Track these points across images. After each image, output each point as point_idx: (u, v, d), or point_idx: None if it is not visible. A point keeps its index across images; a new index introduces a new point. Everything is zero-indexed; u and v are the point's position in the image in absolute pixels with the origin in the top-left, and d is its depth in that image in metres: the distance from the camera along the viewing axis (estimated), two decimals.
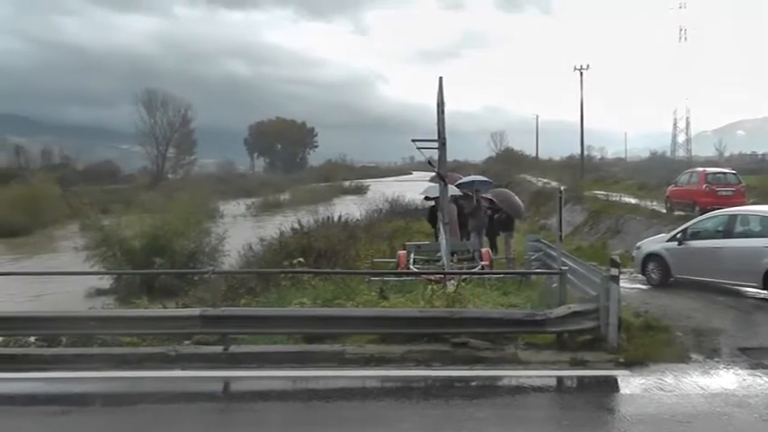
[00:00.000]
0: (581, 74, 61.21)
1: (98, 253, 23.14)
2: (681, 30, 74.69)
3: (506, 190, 21.90)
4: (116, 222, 24.92)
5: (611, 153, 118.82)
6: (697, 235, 13.79)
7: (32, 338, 9.94)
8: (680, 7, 73.68)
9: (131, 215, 26.97)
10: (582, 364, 8.44)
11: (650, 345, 9.02)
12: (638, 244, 15.70)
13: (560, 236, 11.47)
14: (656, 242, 15.00)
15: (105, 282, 21.38)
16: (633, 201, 32.87)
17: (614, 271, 8.94)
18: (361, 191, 75.74)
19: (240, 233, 27.76)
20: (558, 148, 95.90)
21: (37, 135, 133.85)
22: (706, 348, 9.14)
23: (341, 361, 8.67)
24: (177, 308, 12.05)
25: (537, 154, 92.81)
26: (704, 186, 24.14)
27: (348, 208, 34.29)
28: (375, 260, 16.66)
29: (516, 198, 20.14)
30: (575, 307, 9.16)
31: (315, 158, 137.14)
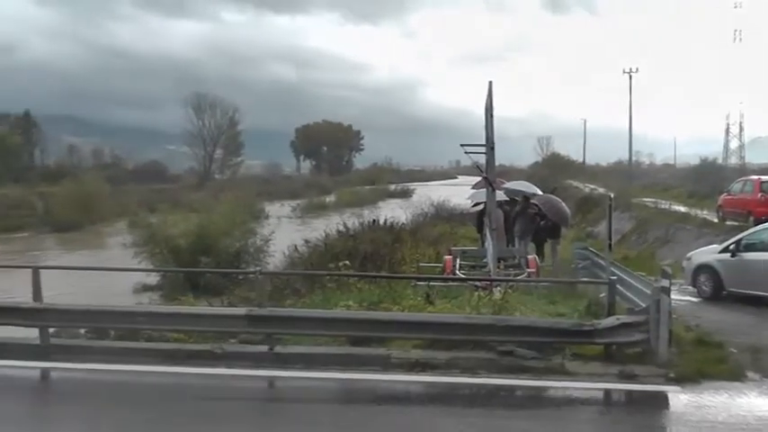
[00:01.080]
0: (630, 77, 60.39)
1: (146, 250, 23.56)
2: (735, 31, 72.25)
3: (553, 196, 21.56)
4: (162, 221, 25.32)
5: (659, 159, 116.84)
6: (752, 246, 13.30)
7: (82, 330, 10.16)
8: (735, 6, 70.60)
9: (178, 214, 27.34)
10: (630, 377, 8.21)
11: (702, 360, 8.66)
12: (689, 255, 15.27)
13: (610, 244, 11.24)
14: (707, 253, 14.57)
15: (152, 278, 21.81)
16: (683, 209, 32.06)
17: (665, 282, 8.63)
18: (406, 194, 75.77)
19: (285, 234, 27.93)
20: (606, 154, 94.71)
21: (89, 135, 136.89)
22: (763, 367, 8.64)
23: (386, 365, 8.63)
24: (223, 306, 12.20)
25: (584, 159, 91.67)
26: (759, 195, 23.22)
27: (393, 211, 34.25)
28: (421, 264, 16.61)
29: (563, 205, 19.82)
30: (623, 318, 8.88)
31: (361, 161, 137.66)
